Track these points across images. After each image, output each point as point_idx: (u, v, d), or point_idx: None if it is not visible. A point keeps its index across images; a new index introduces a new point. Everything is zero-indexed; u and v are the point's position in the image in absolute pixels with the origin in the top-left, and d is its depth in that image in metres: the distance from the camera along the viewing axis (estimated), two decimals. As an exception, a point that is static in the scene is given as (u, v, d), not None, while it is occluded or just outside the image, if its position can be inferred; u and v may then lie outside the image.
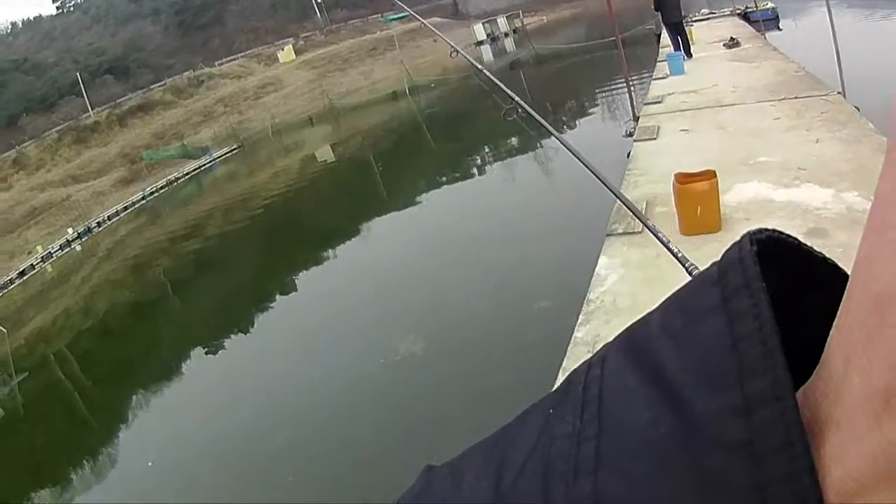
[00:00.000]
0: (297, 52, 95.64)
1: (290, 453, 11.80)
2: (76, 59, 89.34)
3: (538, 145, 25.90)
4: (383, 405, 11.65)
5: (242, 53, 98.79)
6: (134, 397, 20.91)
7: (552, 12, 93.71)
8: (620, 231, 8.58)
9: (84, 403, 23.53)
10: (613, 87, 32.55)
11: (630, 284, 7.35)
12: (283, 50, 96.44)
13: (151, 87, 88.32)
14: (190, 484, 13.24)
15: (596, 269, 7.88)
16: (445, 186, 27.86)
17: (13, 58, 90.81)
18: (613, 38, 19.05)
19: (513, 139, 29.77)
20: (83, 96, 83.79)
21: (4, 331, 33.41)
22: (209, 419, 16.25)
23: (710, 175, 7.94)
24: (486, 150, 31.39)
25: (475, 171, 28.80)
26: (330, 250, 24.97)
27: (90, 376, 26.23)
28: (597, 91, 34.01)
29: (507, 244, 16.86)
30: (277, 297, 23.49)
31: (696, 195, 7.81)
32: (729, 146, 11.15)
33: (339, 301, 18.84)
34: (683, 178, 8.06)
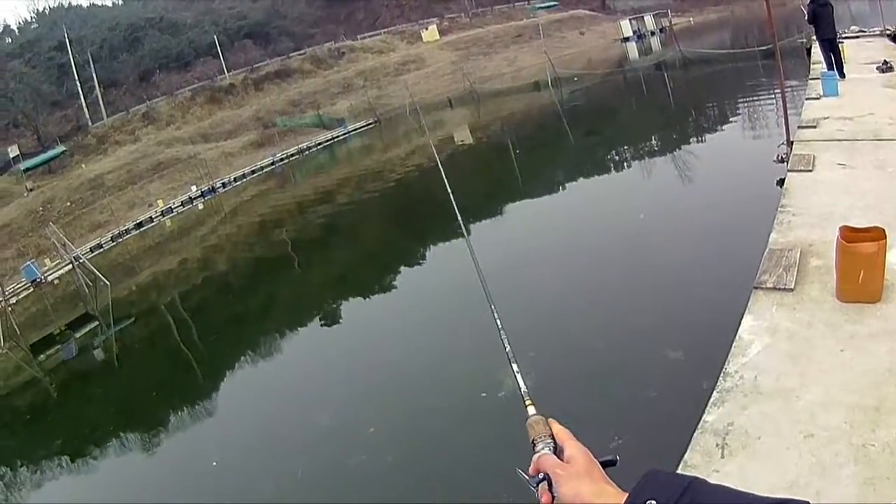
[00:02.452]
0: (441, 33, 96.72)
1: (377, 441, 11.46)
2: (216, 21, 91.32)
3: (680, 148, 25.15)
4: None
5: (386, 29, 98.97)
6: (239, 357, 20.73)
7: (699, 14, 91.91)
8: (770, 285, 7.92)
9: (190, 355, 23.55)
10: (758, 100, 31.09)
11: (776, 360, 6.61)
12: (427, 29, 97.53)
13: (290, 55, 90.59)
14: (264, 450, 13.23)
15: (739, 331, 7.18)
16: (581, 180, 26.88)
17: (149, 15, 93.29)
18: (761, 48, 17.04)
19: (653, 139, 28.86)
20: (220, 58, 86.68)
21: (108, 284, 34.45)
22: (306, 388, 16.16)
23: (878, 234, 7.12)
24: (627, 148, 30.18)
25: (612, 169, 27.51)
26: (458, 234, 23.04)
27: (199, 330, 26.33)
28: (741, 103, 31.99)
29: (636, 261, 15.39)
30: (400, 272, 23.13)
31: (862, 258, 7.01)
32: (891, 191, 10.27)
33: (454, 288, 17.79)
34: (849, 234, 7.23)
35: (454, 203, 4.57)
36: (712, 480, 1.19)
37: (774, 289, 7.84)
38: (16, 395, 27.04)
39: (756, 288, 7.94)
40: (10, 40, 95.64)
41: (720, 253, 13.28)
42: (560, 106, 47.89)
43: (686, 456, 5.54)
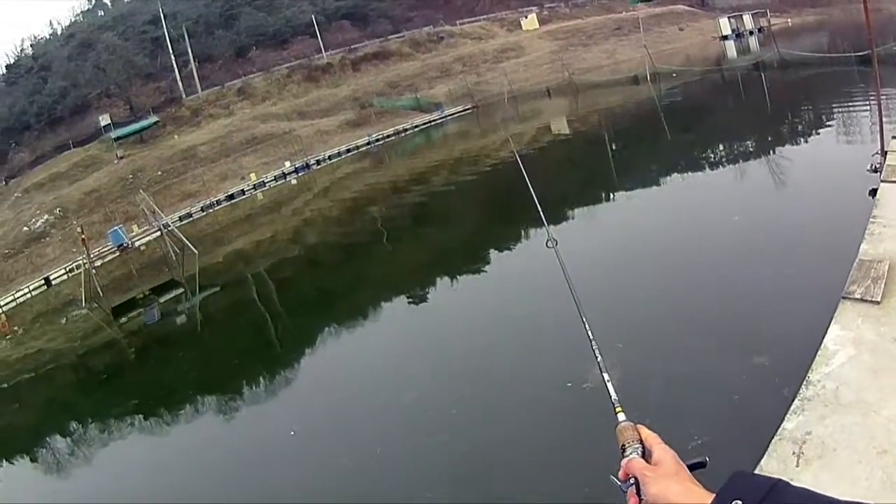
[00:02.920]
0: (540, 22, 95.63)
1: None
2: (313, 1, 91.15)
3: (774, 151, 24.21)
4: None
5: (485, 16, 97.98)
6: (323, 332, 20.28)
7: (797, 15, 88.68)
8: (857, 296, 7.81)
9: (273, 327, 23.21)
10: (854, 107, 29.33)
11: (858, 373, 6.49)
12: (526, 17, 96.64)
13: (389, 37, 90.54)
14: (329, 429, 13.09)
15: (824, 341, 7.10)
16: (675, 178, 25.92)
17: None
18: (858, 54, 15.65)
19: (749, 141, 27.81)
20: (317, 37, 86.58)
21: (196, 252, 33.98)
22: (389, 367, 15.50)
23: None
24: (722, 148, 28.94)
25: (707, 168, 26.39)
26: (550, 223, 21.90)
27: (284, 303, 25.98)
28: (837, 109, 30.42)
29: (726, 263, 15.02)
30: (489, 259, 22.52)
31: None
32: None
33: (542, 280, 16.77)
34: None
35: (537, 204, 4.70)
36: None
37: (862, 300, 7.75)
38: (94, 355, 26.96)
39: (844, 298, 7.86)
40: (102, 13, 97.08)
41: (809, 260, 12.96)
42: (657, 101, 46.66)
43: (762, 462, 5.68)
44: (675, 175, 26.20)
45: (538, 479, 9.25)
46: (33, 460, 18.67)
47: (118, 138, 66.85)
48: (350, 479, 10.86)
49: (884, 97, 17.39)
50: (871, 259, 8.61)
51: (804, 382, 6.57)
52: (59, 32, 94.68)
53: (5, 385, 27.79)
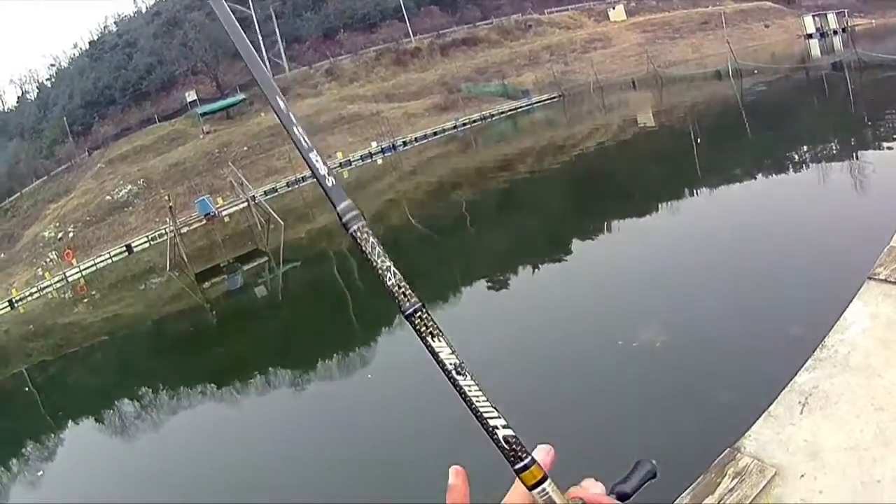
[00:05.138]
0: (627, 14, 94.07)
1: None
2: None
3: (856, 156, 23.69)
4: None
5: (573, 5, 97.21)
6: (398, 313, 19.11)
7: (881, 16, 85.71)
8: (882, 277, 8.09)
9: (346, 304, 23.22)
10: None
11: (870, 342, 6.99)
12: (614, 9, 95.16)
13: (477, 23, 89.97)
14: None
15: (844, 313, 7.49)
16: (757, 176, 25.51)
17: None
18: None
19: (832, 147, 27.06)
20: (405, 22, 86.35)
21: (282, 223, 34.20)
22: (468, 345, 14.63)
23: None
24: (804, 150, 27.93)
25: (788, 167, 25.87)
26: (633, 215, 23.89)
27: (364, 281, 25.17)
28: None
29: (779, 252, 15.83)
30: (571, 248, 22.50)
31: None
32: None
33: (615, 267, 18.79)
34: None
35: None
36: (788, 432, 2.60)
37: (885, 281, 8.10)
38: (171, 321, 27.37)
39: (869, 279, 8.16)
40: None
41: (854, 248, 12.84)
42: (740, 98, 45.64)
43: (771, 407, 6.23)
44: (752, 171, 26.06)
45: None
46: (99, 422, 18.97)
47: (204, 114, 67.89)
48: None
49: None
50: None
51: (819, 346, 7.07)
52: (143, 11, 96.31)
53: (78, 348, 28.38)
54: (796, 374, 6.66)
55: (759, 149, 28.91)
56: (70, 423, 19.91)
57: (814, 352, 6.98)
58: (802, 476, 5.34)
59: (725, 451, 5.78)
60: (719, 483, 5.46)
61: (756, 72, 51.08)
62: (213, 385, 18.54)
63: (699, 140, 33.62)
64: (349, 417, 13.83)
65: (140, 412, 18.59)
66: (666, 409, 10.64)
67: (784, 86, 45.34)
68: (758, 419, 6.17)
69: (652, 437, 9.87)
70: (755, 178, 24.44)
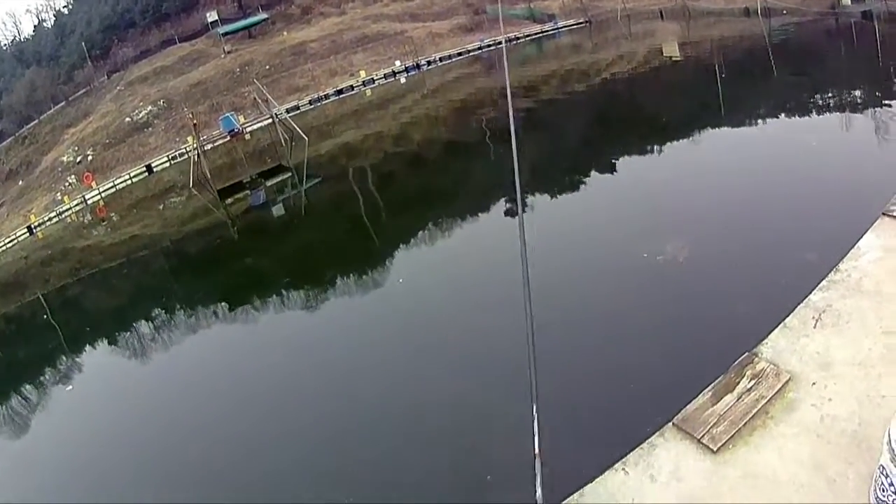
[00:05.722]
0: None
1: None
2: None
3: (881, 105, 23.09)
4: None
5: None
6: (419, 231, 20.66)
7: None
8: (895, 213, 8.55)
9: (367, 221, 23.47)
10: None
11: (881, 270, 7.49)
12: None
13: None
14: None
15: (858, 243, 8.05)
16: (780, 115, 25.36)
17: None
18: None
19: (856, 92, 26.45)
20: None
21: (306, 139, 33.81)
22: (482, 269, 15.83)
23: None
24: (828, 94, 27.39)
25: (812, 109, 25.55)
26: (654, 144, 24.06)
27: (383, 198, 26.10)
28: None
29: (800, 185, 16.77)
30: (593, 174, 22.86)
31: None
32: None
33: (640, 190, 19.27)
34: None
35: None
36: (802, 343, 3.35)
37: None
38: (193, 238, 27.59)
39: (884, 214, 8.62)
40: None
41: (870, 186, 12.94)
42: (767, 38, 44.82)
43: (787, 320, 6.75)
44: (776, 110, 25.79)
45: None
46: (114, 344, 19.15)
47: (226, 34, 67.13)
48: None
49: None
50: None
51: (833, 269, 7.52)
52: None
53: (95, 270, 28.52)
54: (811, 292, 7.19)
55: (785, 88, 28.80)
56: (87, 346, 20.08)
57: (828, 274, 7.52)
58: (814, 384, 5.81)
59: (744, 355, 6.26)
60: (738, 382, 5.97)
61: (785, 12, 50.37)
62: (231, 302, 18.65)
63: (724, 75, 33.47)
64: (370, 330, 13.92)
65: (155, 332, 18.71)
66: (689, 317, 11.32)
67: (812, 29, 44.85)
68: (774, 329, 6.64)
69: (675, 341, 10.65)
70: (779, 117, 24.35)
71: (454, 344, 12.24)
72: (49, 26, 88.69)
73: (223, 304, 18.90)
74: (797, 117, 24.04)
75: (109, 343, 19.34)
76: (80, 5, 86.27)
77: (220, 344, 16.32)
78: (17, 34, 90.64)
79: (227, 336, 16.65)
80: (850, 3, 54.66)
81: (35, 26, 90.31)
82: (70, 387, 16.93)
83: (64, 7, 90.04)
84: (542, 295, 12.25)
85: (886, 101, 22.62)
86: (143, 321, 19.58)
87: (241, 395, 12.54)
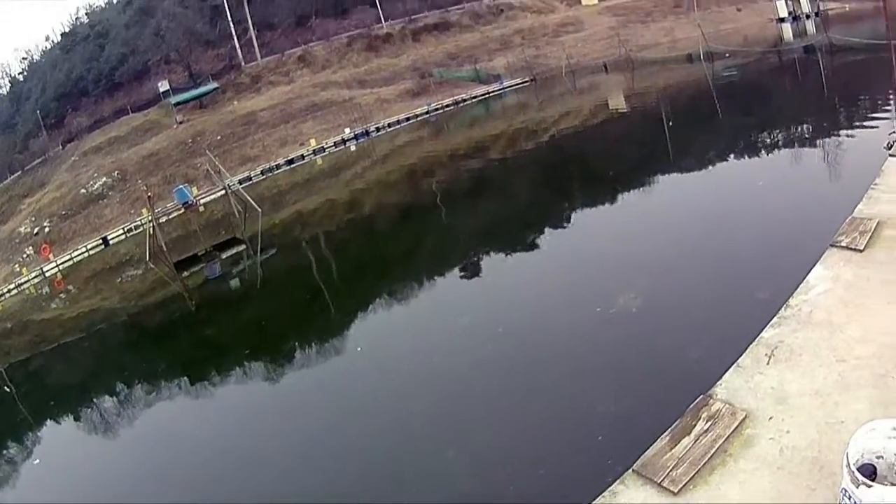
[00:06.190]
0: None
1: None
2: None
3: (829, 136, 24.30)
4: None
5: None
6: (376, 298, 20.59)
7: (855, 1, 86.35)
8: (844, 244, 9.18)
9: (324, 290, 23.69)
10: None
11: (831, 301, 7.94)
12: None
13: (449, 8, 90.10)
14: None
15: (807, 277, 8.64)
16: (728, 157, 25.96)
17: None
18: None
19: (802, 127, 27.68)
20: (377, 7, 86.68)
21: (259, 210, 34.13)
22: (439, 337, 16.03)
23: None
24: (774, 131, 28.31)
25: (758, 148, 26.43)
26: (604, 197, 24.50)
27: (339, 268, 26.38)
28: (877, 95, 29.78)
29: (748, 225, 16.90)
30: (545, 230, 22.82)
31: None
32: None
33: (590, 244, 19.81)
34: None
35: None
36: (756, 380, 3.94)
37: (847, 248, 9.12)
38: (148, 314, 27.59)
39: (832, 245, 9.26)
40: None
41: (818, 221, 13.95)
42: (712, 81, 45.89)
43: (740, 359, 7.09)
44: (723, 152, 26.42)
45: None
46: (78, 420, 19.06)
47: (178, 104, 67.69)
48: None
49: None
50: (863, 217, 9.99)
51: (784, 305, 8.06)
52: (115, 1, 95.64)
53: (56, 344, 28.35)
54: (763, 329, 7.55)
55: (731, 130, 29.49)
56: (49, 420, 19.86)
57: (779, 310, 7.91)
58: (771, 418, 5.99)
59: (699, 398, 6.48)
60: (695, 424, 6.13)
61: (728, 55, 51.71)
62: (193, 375, 18.76)
63: (671, 123, 34.11)
64: (330, 400, 14.24)
65: (120, 406, 18.68)
66: (643, 366, 11.33)
67: (756, 69, 45.70)
68: (728, 370, 6.90)
69: (631, 389, 10.70)
70: (726, 159, 24.89)
71: (414, 412, 12.38)
72: (4, 92, 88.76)
73: (184, 377, 18.95)
74: (744, 158, 24.62)
75: (73, 417, 19.31)
76: (35, 72, 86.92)
77: (182, 417, 16.41)
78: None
79: (188, 409, 16.75)
80: (791, 39, 56.31)
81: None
82: (37, 460, 16.89)
83: (19, 74, 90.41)
84: (499, 356, 13.27)
85: (833, 133, 23.63)
86: (105, 395, 19.65)
87: (201, 468, 12.76)
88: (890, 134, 15.80)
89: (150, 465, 13.96)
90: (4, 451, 18.55)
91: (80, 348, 26.73)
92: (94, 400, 19.67)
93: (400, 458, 11.05)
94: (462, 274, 20.49)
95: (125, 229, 48.64)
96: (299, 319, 21.10)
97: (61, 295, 40.11)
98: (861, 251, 8.92)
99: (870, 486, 4.11)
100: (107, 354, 24.99)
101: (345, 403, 13.66)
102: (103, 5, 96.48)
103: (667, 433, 6.13)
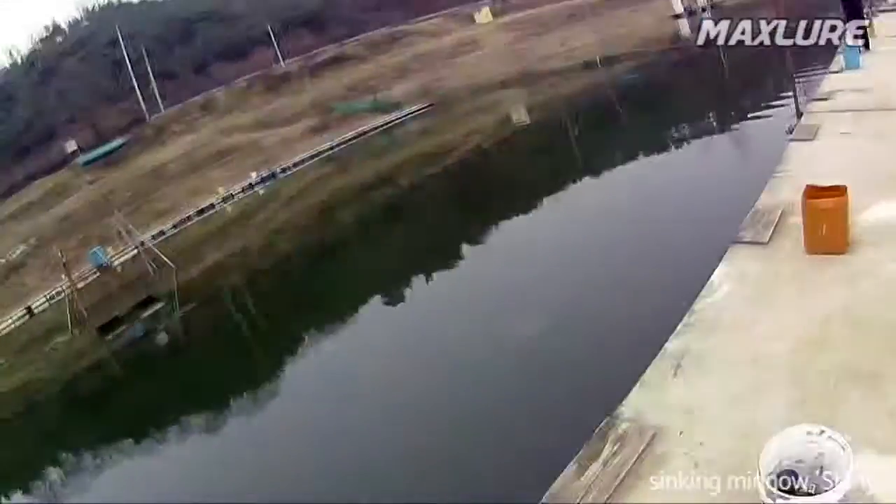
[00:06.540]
0: (494, 14, 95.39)
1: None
2: (270, 11, 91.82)
3: (728, 128, 25.78)
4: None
5: (440, 12, 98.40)
6: (303, 339, 21.61)
7: None
8: (748, 239, 9.01)
9: (246, 336, 24.89)
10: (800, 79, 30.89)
11: (739, 301, 7.75)
12: (480, 11, 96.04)
13: (345, 41, 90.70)
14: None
15: (711, 278, 8.29)
16: (631, 159, 27.54)
17: (201, 9, 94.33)
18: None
19: (704, 122, 29.53)
20: (275, 47, 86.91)
21: (174, 267, 35.29)
22: (375, 371, 16.49)
23: (840, 192, 7.97)
24: (676, 128, 30.58)
25: (661, 147, 28.12)
26: (518, 213, 25.48)
27: (261, 313, 27.31)
28: (778, 82, 31.64)
29: (651, 230, 17.50)
30: (462, 252, 24.03)
31: (822, 213, 7.97)
32: (885, 157, 10.85)
33: (495, 267, 20.37)
34: (812, 192, 8.17)
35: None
36: (662, 395, 2.89)
37: (751, 243, 8.92)
38: (81, 380, 27.94)
39: (735, 242, 9.05)
40: (61, 39, 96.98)
41: (722, 218, 13.74)
42: (611, 85, 47.79)
43: (644, 375, 6.72)
44: (626, 154, 27.61)
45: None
46: (27, 493, 19.61)
47: (86, 163, 67.69)
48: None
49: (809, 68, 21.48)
50: (766, 208, 9.85)
51: (688, 312, 7.72)
52: (19, 62, 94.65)
53: None
54: (667, 341, 7.26)
55: (633, 132, 31.08)
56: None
57: (683, 318, 7.65)
58: (681, 432, 5.75)
59: (604, 421, 6.18)
60: (602, 449, 5.81)
61: (625, 58, 52.97)
62: (135, 435, 19.29)
63: (574, 130, 35.30)
64: (266, 447, 15.01)
65: (66, 478, 19.29)
66: (546, 394, 11.70)
67: (655, 69, 47.28)
68: (632, 388, 6.59)
69: (536, 417, 11.11)
70: (629, 161, 26.20)
71: (340, 459, 13.07)
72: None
73: (124, 439, 19.57)
74: (647, 158, 25.84)
75: (22, 492, 19.88)
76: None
77: (127, 480, 17.19)
78: None
79: (132, 472, 17.47)
80: (689, 34, 57.64)
81: None
82: None
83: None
84: (405, 388, 14.24)
85: (734, 124, 24.88)
86: (51, 468, 20.22)
87: None
88: (790, 118, 16.78)
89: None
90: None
91: (21, 424, 26.80)
92: (38, 474, 20.13)
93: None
94: (380, 304, 21.75)
95: (47, 297, 48.57)
96: (226, 369, 21.71)
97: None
98: (766, 244, 8.81)
99: (787, 500, 4.17)
100: (46, 427, 25.22)
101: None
102: (8, 67, 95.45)
103: (573, 462, 5.84)
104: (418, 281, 22.78)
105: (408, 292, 22.05)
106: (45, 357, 34.60)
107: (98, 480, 18.06)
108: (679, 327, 7.47)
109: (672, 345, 7.18)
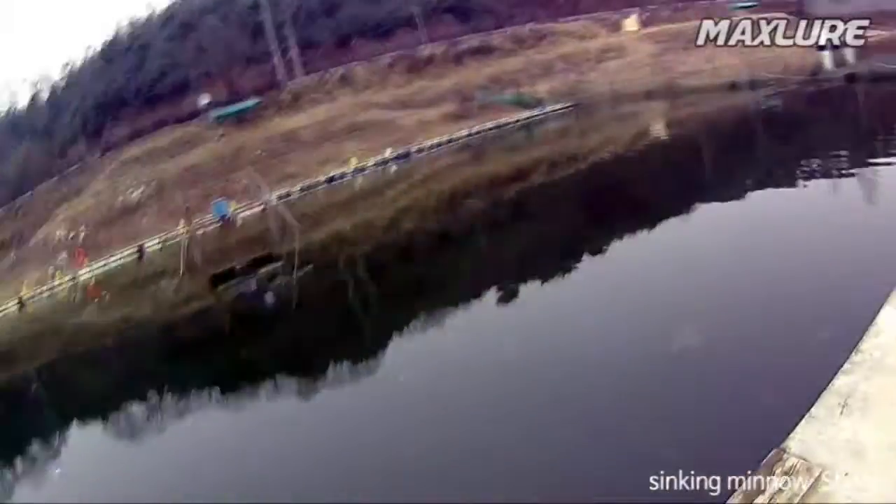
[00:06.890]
0: (641, 24, 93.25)
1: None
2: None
3: (867, 165, 23.66)
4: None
5: (587, 15, 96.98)
6: (412, 320, 20.31)
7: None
8: None
9: (360, 309, 23.71)
10: None
11: None
12: (628, 18, 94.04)
13: (491, 32, 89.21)
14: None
15: (876, 319, 8.06)
16: (777, 188, 25.38)
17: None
18: None
19: (848, 157, 26.78)
20: (419, 30, 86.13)
21: (298, 226, 34.02)
22: (470, 361, 15.67)
23: None
24: (823, 162, 27.70)
25: (808, 179, 25.61)
26: (645, 227, 23.61)
27: (374, 288, 26.21)
28: None
29: (808, 262, 16.08)
30: (583, 259, 22.37)
31: None
32: None
33: (644, 277, 18.73)
34: None
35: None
36: (830, 432, 3.39)
37: None
38: (180, 326, 27.74)
39: None
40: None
41: (881, 257, 13.61)
42: (755, 109, 45.63)
43: (812, 409, 6.66)
44: (770, 182, 25.99)
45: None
46: (107, 426, 19.00)
47: (219, 118, 68.09)
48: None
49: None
50: None
51: (854, 350, 7.55)
52: (156, 14, 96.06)
53: (86, 349, 28.45)
54: (834, 376, 7.08)
55: (776, 160, 28.84)
56: (75, 426, 19.96)
57: (850, 355, 7.43)
58: (847, 474, 5.59)
59: (773, 452, 6.07)
60: (769, 482, 5.69)
61: (770, 83, 50.99)
62: (224, 387, 18.67)
63: (714, 151, 33.51)
64: (360, 421, 13.90)
65: (148, 414, 18.64)
66: (710, 416, 10.72)
67: (798, 97, 45.17)
68: (800, 421, 6.46)
69: (696, 438, 10.01)
70: (774, 190, 24.20)
71: (459, 445, 11.89)
72: (44, 99, 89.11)
73: (214, 388, 19.01)
74: (793, 189, 23.87)
75: (100, 424, 19.32)
76: (75, 81, 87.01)
77: (212, 432, 16.14)
78: (12, 105, 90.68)
79: (217, 420, 16.69)
80: (831, 67, 55.61)
81: (30, 98, 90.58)
82: (58, 469, 16.78)
83: (60, 79, 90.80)
84: (546, 397, 12.55)
85: (880, 163, 22.86)
86: (135, 403, 19.49)
87: (233, 485, 12.42)
88: None
89: (176, 474, 13.95)
90: (29, 455, 18.52)
91: (111, 356, 26.72)
92: (122, 407, 19.48)
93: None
94: (502, 302, 19.93)
95: (161, 240, 48.53)
96: (334, 340, 20.51)
97: (94, 301, 40.20)
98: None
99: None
100: (137, 364, 24.81)
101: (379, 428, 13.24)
102: (144, 18, 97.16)
103: (739, 492, 5.79)
104: (542, 280, 21.04)
105: (529, 289, 20.42)
106: (149, 297, 34.23)
107: (176, 426, 17.38)
108: (846, 365, 7.35)
109: (839, 381, 7.09)
